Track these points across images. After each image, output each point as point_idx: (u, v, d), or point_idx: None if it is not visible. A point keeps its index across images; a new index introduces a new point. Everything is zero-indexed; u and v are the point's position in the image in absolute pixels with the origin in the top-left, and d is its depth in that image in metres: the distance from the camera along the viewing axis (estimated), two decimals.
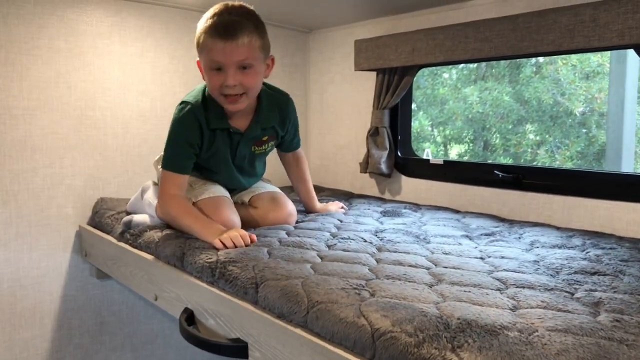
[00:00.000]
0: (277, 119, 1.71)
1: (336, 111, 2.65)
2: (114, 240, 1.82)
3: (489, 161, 5.21)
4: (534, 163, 5.56)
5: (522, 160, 5.65)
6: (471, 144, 6.25)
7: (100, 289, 2.18)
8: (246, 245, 1.45)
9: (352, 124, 2.57)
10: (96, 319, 2.18)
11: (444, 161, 2.18)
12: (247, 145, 1.71)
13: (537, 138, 5.72)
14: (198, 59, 1.57)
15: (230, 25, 1.44)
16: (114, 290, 2.21)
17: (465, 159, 6.09)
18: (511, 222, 1.84)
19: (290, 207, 1.78)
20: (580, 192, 1.79)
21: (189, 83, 2.31)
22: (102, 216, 1.98)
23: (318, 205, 1.98)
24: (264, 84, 1.68)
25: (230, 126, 1.63)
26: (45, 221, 2.02)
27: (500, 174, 1.96)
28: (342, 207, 2.03)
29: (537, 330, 0.91)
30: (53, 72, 2.00)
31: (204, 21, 1.49)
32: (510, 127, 5.79)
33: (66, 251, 2.08)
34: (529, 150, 5.73)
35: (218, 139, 1.64)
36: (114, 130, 2.16)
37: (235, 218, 1.63)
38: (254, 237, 1.50)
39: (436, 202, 2.20)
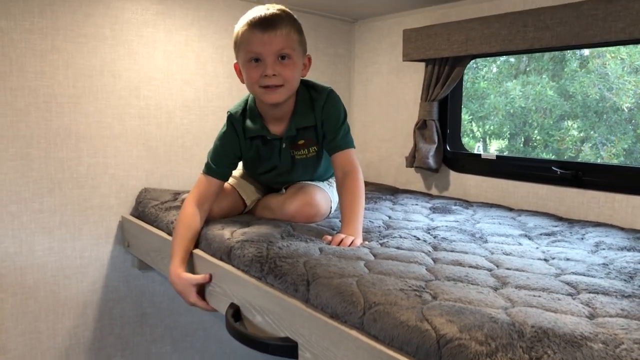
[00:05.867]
0: (312, 119, 1.60)
1: (381, 103, 2.58)
2: (158, 232, 1.79)
3: (546, 157, 5.07)
4: (578, 160, 5.38)
5: (565, 157, 5.48)
6: (511, 140, 6.10)
7: (142, 280, 2.16)
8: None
9: (397, 117, 2.49)
10: (137, 310, 2.17)
11: (497, 156, 2.09)
12: (287, 150, 1.65)
13: (581, 134, 5.54)
14: (235, 61, 1.57)
15: (269, 18, 1.46)
16: (155, 281, 2.19)
17: (505, 154, 5.94)
18: (570, 222, 1.75)
19: (310, 198, 1.61)
20: None
21: (233, 73, 2.24)
22: (145, 206, 1.95)
23: (343, 229, 1.48)
24: (308, 84, 1.65)
25: (267, 133, 1.61)
26: (89, 211, 2.01)
27: (559, 171, 1.86)
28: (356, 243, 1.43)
29: (622, 343, 0.83)
30: (98, 60, 1.98)
31: (242, 20, 1.51)
32: (552, 122, 5.62)
33: (108, 242, 2.07)
34: (573, 146, 5.55)
35: (259, 149, 1.65)
36: (157, 120, 2.14)
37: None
38: (193, 300, 1.53)
39: (487, 199, 2.11)
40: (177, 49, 2.16)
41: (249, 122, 1.62)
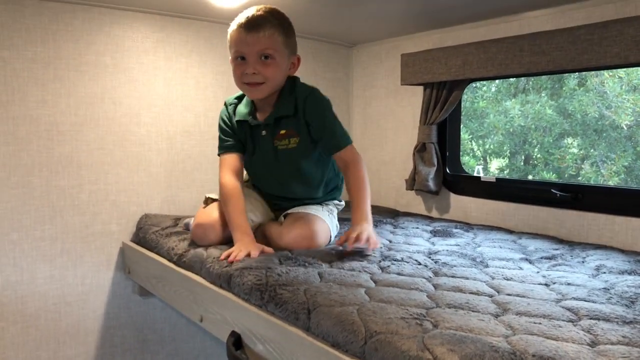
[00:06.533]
0: (292, 109, 1.65)
1: (380, 126, 2.60)
2: (159, 258, 1.79)
3: (537, 178, 5.08)
4: (579, 178, 5.40)
5: (566, 175, 5.49)
6: (511, 158, 6.11)
7: (143, 306, 2.16)
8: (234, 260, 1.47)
9: (397, 140, 2.50)
10: (138, 336, 2.16)
11: (497, 179, 2.10)
12: (269, 138, 1.69)
13: (581, 152, 5.55)
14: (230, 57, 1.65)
15: (254, 20, 1.56)
16: (156, 308, 2.18)
17: (506, 173, 5.97)
18: (571, 244, 1.75)
19: (308, 230, 1.62)
20: None
21: None
22: (146, 232, 1.96)
23: (356, 217, 1.59)
24: (295, 80, 1.72)
25: (251, 119, 1.70)
26: (90, 238, 2.01)
27: (558, 193, 1.87)
28: (370, 244, 1.53)
29: None
30: (99, 88, 2.00)
31: (234, 20, 1.61)
32: (552, 140, 5.64)
33: (109, 268, 2.07)
34: (573, 164, 5.56)
35: (247, 134, 1.73)
36: (158, 146, 2.15)
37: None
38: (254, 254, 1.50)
39: (487, 222, 2.11)
40: (177, 75, 2.18)
41: (242, 107, 1.73)
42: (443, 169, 2.25)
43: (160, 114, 2.15)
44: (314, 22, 2.23)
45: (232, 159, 1.73)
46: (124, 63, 2.05)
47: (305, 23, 2.23)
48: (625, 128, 5.16)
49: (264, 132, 1.69)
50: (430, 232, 1.93)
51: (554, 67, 1.73)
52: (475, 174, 2.27)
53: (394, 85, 2.46)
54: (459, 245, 1.71)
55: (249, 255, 1.49)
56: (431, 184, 2.21)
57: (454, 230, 1.93)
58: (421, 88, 2.27)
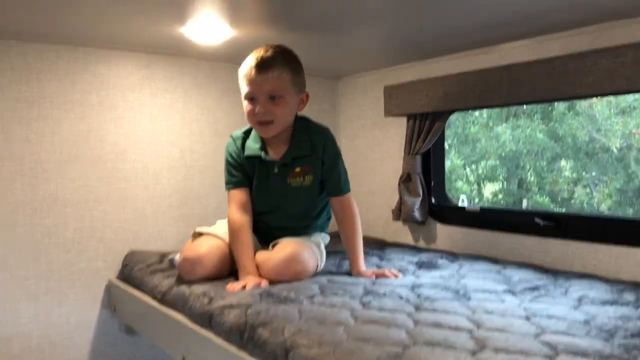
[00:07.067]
0: (308, 149, 1.72)
1: (367, 157, 2.61)
2: (142, 296, 1.78)
3: (526, 206, 5.08)
4: (572, 201, 5.41)
5: (559, 198, 5.50)
6: (505, 183, 6.12)
7: (129, 344, 2.13)
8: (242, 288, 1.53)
9: (383, 170, 2.51)
10: None
11: (481, 208, 2.10)
12: (282, 176, 1.73)
13: (574, 175, 5.57)
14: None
15: (264, 61, 1.61)
16: (142, 345, 2.16)
17: (500, 197, 5.97)
18: (555, 273, 1.74)
19: (297, 255, 1.63)
20: (629, 241, 1.69)
21: (219, 133, 2.31)
22: (132, 269, 1.95)
23: (361, 269, 1.74)
24: (307, 119, 1.79)
25: (262, 154, 1.72)
26: (75, 275, 2.00)
27: (541, 222, 1.87)
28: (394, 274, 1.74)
29: None
30: (85, 125, 2.02)
31: (246, 60, 1.66)
32: (544, 164, 5.66)
33: (95, 306, 2.05)
34: (566, 187, 5.58)
35: (256, 169, 1.76)
36: (144, 181, 2.16)
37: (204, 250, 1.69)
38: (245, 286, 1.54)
39: (473, 251, 2.11)
40: (162, 111, 2.20)
41: (251, 142, 1.76)
42: (428, 199, 2.26)
43: (146, 149, 2.16)
44: (300, 55, 2.26)
45: (241, 194, 1.75)
46: (110, 100, 2.07)
47: None
48: (616, 151, 5.19)
49: (276, 170, 1.73)
50: (416, 263, 1.92)
51: (533, 98, 1.75)
52: (460, 204, 2.26)
53: (379, 116, 2.48)
54: (443, 277, 1.71)
55: (244, 287, 1.53)
56: (417, 214, 2.21)
57: (440, 261, 1.93)
58: (405, 119, 2.29)
